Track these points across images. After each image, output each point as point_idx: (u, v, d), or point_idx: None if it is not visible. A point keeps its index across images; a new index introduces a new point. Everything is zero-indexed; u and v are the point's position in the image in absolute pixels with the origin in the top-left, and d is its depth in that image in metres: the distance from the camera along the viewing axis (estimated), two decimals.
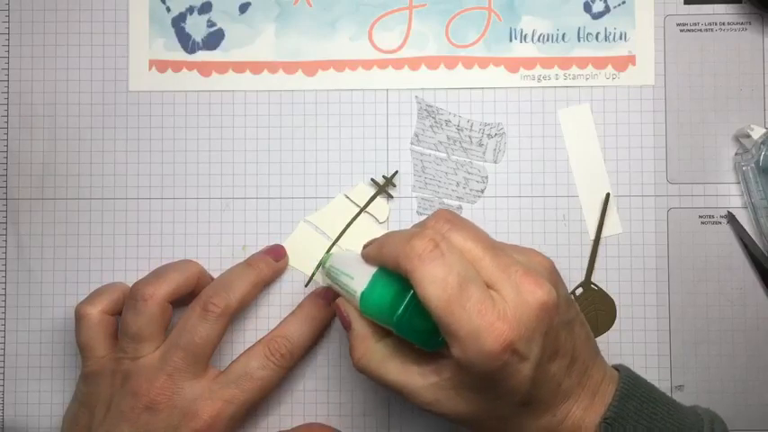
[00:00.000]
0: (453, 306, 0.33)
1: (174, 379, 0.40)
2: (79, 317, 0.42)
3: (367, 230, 0.45)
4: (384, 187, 0.45)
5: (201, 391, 0.40)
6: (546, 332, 0.34)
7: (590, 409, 0.36)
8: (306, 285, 0.45)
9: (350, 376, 0.45)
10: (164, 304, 0.41)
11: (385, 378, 0.37)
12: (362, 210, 0.45)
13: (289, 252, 0.45)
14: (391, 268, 0.36)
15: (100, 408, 0.41)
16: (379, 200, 0.45)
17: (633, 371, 0.39)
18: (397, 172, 0.45)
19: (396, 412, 0.45)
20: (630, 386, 0.37)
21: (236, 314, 0.42)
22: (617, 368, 0.39)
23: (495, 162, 0.45)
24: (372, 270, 0.37)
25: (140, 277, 0.43)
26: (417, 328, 0.35)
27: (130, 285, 0.42)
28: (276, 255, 0.45)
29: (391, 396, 0.45)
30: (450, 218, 0.36)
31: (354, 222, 0.45)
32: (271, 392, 0.43)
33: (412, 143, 0.45)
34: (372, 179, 0.45)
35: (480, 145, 0.45)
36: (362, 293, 0.37)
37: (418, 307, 0.34)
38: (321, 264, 0.43)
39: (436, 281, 0.33)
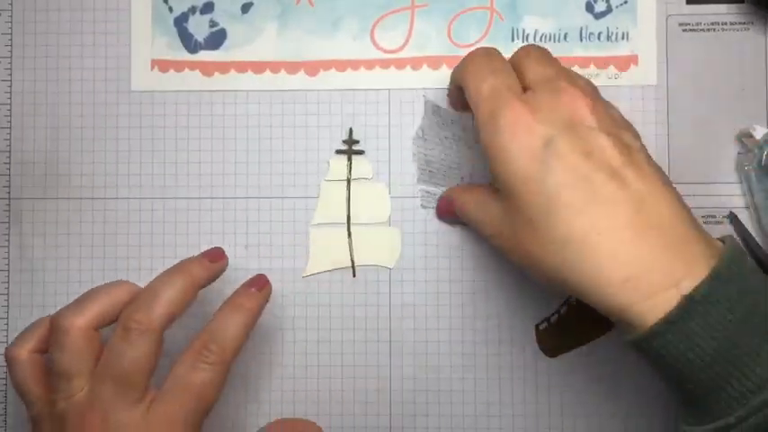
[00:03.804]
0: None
1: (107, 413, 0.37)
2: (8, 361, 0.39)
3: (367, 194, 0.45)
4: (351, 147, 0.45)
5: (137, 419, 0.37)
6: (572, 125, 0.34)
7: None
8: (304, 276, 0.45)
9: (353, 365, 0.45)
10: (88, 333, 0.37)
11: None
12: (350, 180, 0.45)
13: (316, 257, 0.45)
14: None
15: None
16: (357, 160, 0.45)
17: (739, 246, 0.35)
18: (351, 129, 0.45)
19: (398, 413, 0.45)
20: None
21: (166, 327, 0.38)
22: (723, 240, 0.35)
23: None
24: None
25: (143, 278, 0.42)
26: None
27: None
28: (212, 257, 0.41)
29: (393, 393, 0.45)
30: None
31: (352, 194, 0.45)
32: (218, 396, 0.39)
33: (417, 135, 0.45)
34: (337, 150, 0.45)
35: None
36: None
37: None
38: None
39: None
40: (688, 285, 0.32)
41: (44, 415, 0.38)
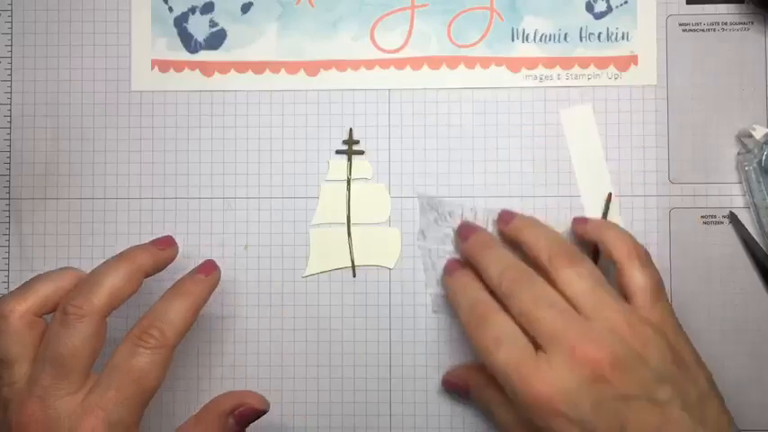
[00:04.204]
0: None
1: (45, 400, 0.35)
2: None
3: (367, 194, 0.45)
4: (351, 147, 0.45)
5: (75, 406, 0.35)
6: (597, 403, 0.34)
7: None
8: (303, 276, 0.45)
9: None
10: (30, 319, 0.36)
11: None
12: (350, 180, 0.45)
13: (316, 257, 0.45)
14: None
15: None
16: (357, 161, 0.45)
17: None
18: (351, 129, 0.45)
19: (398, 413, 0.45)
20: None
21: (108, 313, 0.37)
22: None
23: None
24: None
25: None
26: None
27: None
28: (162, 244, 0.40)
29: (393, 393, 0.45)
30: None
31: (352, 194, 0.45)
32: (159, 382, 0.37)
33: (418, 239, 0.45)
34: (337, 150, 0.45)
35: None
36: None
37: None
38: None
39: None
40: None
41: None
